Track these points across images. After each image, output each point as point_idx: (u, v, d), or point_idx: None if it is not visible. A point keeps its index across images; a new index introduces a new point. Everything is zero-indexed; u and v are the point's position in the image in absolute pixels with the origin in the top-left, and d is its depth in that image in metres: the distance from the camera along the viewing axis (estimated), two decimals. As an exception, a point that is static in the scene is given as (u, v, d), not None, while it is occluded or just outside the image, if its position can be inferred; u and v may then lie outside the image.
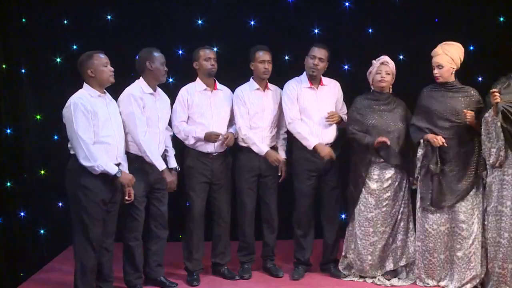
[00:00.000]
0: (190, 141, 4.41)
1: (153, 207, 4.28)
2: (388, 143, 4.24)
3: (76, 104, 3.78)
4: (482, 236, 4.19)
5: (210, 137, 4.35)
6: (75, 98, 3.82)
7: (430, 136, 4.14)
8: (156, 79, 4.21)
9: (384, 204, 4.36)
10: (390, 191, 4.35)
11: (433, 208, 4.23)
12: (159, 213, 4.29)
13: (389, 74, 4.36)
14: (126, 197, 3.99)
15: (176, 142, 4.54)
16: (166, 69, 4.23)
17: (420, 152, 4.22)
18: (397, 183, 4.36)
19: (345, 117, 4.55)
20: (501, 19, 5.41)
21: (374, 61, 4.42)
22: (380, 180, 4.36)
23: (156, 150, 4.17)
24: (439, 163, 4.14)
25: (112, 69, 3.92)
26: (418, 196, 4.31)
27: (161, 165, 4.15)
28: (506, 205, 4.01)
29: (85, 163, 3.76)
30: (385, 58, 4.39)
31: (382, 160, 4.34)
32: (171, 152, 4.40)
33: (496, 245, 4.07)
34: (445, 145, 4.10)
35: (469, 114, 4.07)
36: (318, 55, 4.44)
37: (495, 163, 4.01)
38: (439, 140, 4.09)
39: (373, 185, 4.36)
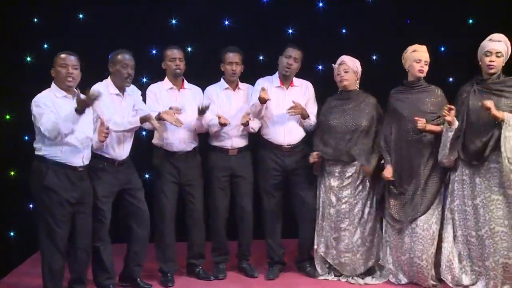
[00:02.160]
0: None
1: (131, 205, 4.22)
2: (314, 161, 4.37)
3: (37, 102, 3.75)
4: (439, 233, 4.26)
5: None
6: (37, 97, 3.79)
7: (385, 175, 4.27)
8: (121, 82, 4.14)
9: (344, 201, 4.39)
10: (349, 189, 4.38)
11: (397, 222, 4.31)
12: (138, 211, 4.22)
13: (347, 72, 4.40)
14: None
15: (147, 141, 4.50)
16: (130, 73, 4.12)
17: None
18: (358, 181, 4.40)
19: (312, 116, 4.55)
20: (470, 21, 5.54)
21: (333, 65, 4.50)
22: (340, 177, 4.40)
23: (121, 120, 4.08)
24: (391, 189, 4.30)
25: (72, 71, 3.83)
26: (386, 197, 4.36)
27: (135, 121, 4.07)
28: (467, 204, 4.11)
29: (49, 134, 3.68)
30: (342, 58, 4.45)
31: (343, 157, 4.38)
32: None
33: (468, 243, 4.15)
34: (391, 179, 4.27)
35: (420, 122, 4.14)
36: (293, 54, 4.46)
37: (445, 165, 4.16)
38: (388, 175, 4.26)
39: (334, 182, 4.40)
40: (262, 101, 4.34)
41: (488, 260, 4.06)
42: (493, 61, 4.03)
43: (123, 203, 4.22)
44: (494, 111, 3.90)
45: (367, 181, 4.41)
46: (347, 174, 4.39)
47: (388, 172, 4.29)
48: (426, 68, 4.27)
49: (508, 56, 4.10)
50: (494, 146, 3.97)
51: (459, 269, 4.18)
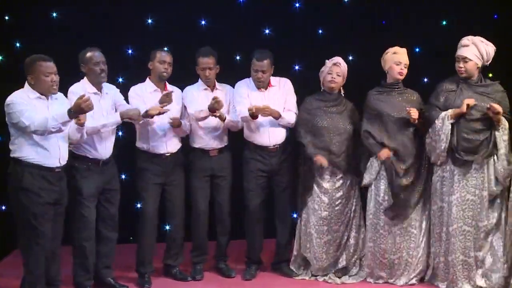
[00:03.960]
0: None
1: (103, 208, 4.21)
2: (325, 166, 4.30)
3: (13, 100, 3.70)
4: (428, 232, 4.33)
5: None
6: (11, 96, 3.73)
7: (382, 156, 4.21)
8: (96, 79, 4.12)
9: (337, 203, 4.42)
10: (342, 190, 4.42)
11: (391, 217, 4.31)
12: (108, 214, 4.23)
13: (340, 75, 4.42)
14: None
15: (124, 142, 4.45)
16: (103, 68, 4.10)
17: (375, 163, 4.29)
18: (348, 182, 4.44)
19: (290, 113, 4.50)
20: (444, 22, 5.62)
21: (327, 61, 4.47)
22: (332, 180, 4.42)
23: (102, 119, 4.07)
24: (399, 175, 4.22)
25: (56, 78, 3.79)
26: (372, 198, 4.36)
27: (116, 117, 4.06)
28: (445, 200, 4.18)
29: (35, 128, 3.63)
30: (338, 59, 4.44)
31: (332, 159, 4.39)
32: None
33: (441, 239, 4.22)
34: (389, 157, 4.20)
35: (413, 111, 4.16)
36: (260, 68, 4.44)
37: (437, 162, 4.17)
38: (386, 154, 4.21)
39: (325, 184, 4.42)
40: (254, 117, 4.33)
41: (450, 256, 4.14)
42: (461, 67, 4.10)
43: (96, 204, 4.18)
44: (499, 116, 3.96)
45: (354, 180, 4.44)
46: (338, 176, 4.41)
47: (384, 152, 4.22)
48: (405, 71, 4.30)
49: (487, 56, 4.10)
50: (487, 144, 4.03)
51: (435, 266, 4.27)
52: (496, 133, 4.03)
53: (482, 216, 4.09)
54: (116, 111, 4.24)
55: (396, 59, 4.26)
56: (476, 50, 4.08)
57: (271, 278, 4.58)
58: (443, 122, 4.08)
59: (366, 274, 4.46)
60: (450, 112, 4.07)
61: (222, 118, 4.40)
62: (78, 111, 3.67)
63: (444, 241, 4.17)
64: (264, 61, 4.43)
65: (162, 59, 4.37)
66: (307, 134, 4.41)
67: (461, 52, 4.10)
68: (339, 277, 4.45)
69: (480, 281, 4.13)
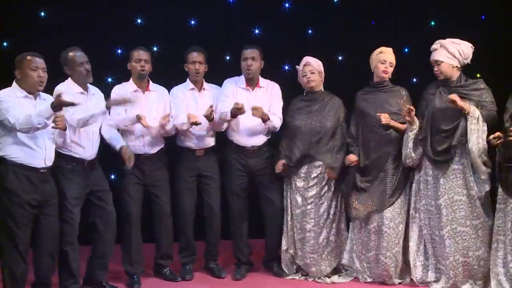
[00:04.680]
0: (129, 128, 4.33)
1: (99, 208, 4.15)
2: (279, 171, 4.39)
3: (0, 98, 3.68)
4: (405, 233, 4.33)
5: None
6: None
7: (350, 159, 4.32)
8: (82, 79, 4.09)
9: (309, 202, 4.42)
10: (315, 189, 4.41)
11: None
12: (105, 214, 4.16)
13: (313, 73, 4.43)
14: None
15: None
16: (87, 68, 4.07)
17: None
18: (323, 182, 4.43)
19: (275, 117, 4.50)
20: (432, 23, 5.66)
21: (297, 67, 4.51)
22: (306, 178, 4.43)
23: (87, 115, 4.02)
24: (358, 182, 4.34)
25: (43, 75, 3.77)
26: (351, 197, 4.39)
27: (102, 107, 4.01)
28: (431, 204, 4.20)
29: (21, 126, 3.60)
30: (307, 59, 4.47)
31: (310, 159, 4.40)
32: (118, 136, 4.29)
33: (433, 241, 4.24)
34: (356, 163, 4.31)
35: (383, 117, 4.23)
36: (249, 55, 4.46)
37: (407, 165, 4.24)
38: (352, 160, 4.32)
39: (299, 183, 4.43)
40: (234, 115, 4.33)
41: (448, 259, 4.15)
42: (436, 70, 4.18)
43: (89, 205, 4.15)
44: (460, 102, 3.98)
45: (332, 182, 4.44)
46: (313, 175, 4.42)
47: (352, 157, 4.31)
48: (390, 70, 4.34)
49: (461, 54, 4.13)
50: (459, 140, 4.04)
51: (423, 267, 4.27)
52: (467, 123, 4.01)
53: (474, 214, 4.10)
54: None
55: (381, 58, 4.31)
56: (445, 51, 4.13)
57: (261, 278, 4.59)
58: (407, 130, 4.22)
59: (354, 274, 4.46)
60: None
61: (210, 118, 4.40)
62: (60, 103, 3.63)
63: (438, 244, 4.18)
64: (253, 49, 4.47)
65: (138, 58, 4.37)
66: (286, 148, 4.44)
67: (432, 56, 4.19)
68: (329, 277, 4.46)
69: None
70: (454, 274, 4.14)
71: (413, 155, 4.19)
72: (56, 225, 3.91)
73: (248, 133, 4.51)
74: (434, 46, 4.19)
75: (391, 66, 4.33)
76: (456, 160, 4.10)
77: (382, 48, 4.36)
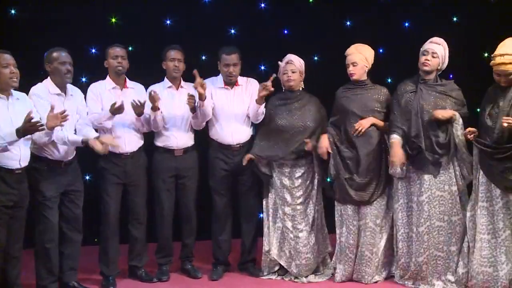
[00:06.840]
0: (106, 125, 4.27)
1: (67, 209, 4.14)
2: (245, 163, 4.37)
3: None
4: (391, 232, 4.38)
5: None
6: None
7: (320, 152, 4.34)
8: (61, 79, 4.05)
9: (298, 201, 4.43)
10: (302, 189, 4.43)
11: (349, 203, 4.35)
12: (72, 216, 4.15)
13: (295, 72, 4.44)
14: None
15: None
16: (69, 69, 4.03)
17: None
18: (308, 181, 4.45)
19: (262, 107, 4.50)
20: (406, 24, 5.74)
21: (279, 62, 4.50)
22: (290, 177, 4.44)
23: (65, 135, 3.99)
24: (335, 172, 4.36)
25: (15, 71, 3.71)
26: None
27: (77, 141, 4.00)
28: (413, 200, 4.24)
29: None
30: (289, 57, 4.46)
31: (293, 158, 4.40)
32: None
33: (409, 240, 4.27)
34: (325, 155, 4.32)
35: (357, 125, 4.28)
36: (231, 61, 4.46)
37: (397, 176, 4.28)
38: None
39: (285, 181, 4.44)
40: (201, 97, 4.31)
41: (423, 255, 4.19)
42: (428, 60, 4.19)
43: (59, 205, 4.11)
44: (446, 115, 4.09)
45: (316, 180, 4.45)
46: (297, 175, 4.43)
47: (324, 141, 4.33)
48: (356, 70, 4.31)
49: (445, 62, 4.24)
50: (448, 144, 4.12)
51: (399, 265, 4.32)
52: (453, 130, 4.13)
53: (454, 210, 4.16)
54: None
55: (347, 61, 4.35)
56: (442, 51, 4.20)
57: (238, 278, 4.58)
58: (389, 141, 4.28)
59: (331, 272, 4.49)
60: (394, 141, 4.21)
61: (193, 108, 4.37)
62: (26, 131, 3.59)
63: (415, 241, 4.22)
64: (233, 55, 4.46)
65: (115, 54, 4.34)
66: (265, 144, 4.43)
67: (433, 46, 4.18)
68: (306, 276, 4.48)
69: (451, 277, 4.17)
70: (425, 268, 4.19)
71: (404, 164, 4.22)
72: (23, 227, 3.86)
73: (232, 131, 4.49)
74: (439, 40, 4.20)
75: (354, 66, 4.31)
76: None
77: (348, 50, 4.36)
